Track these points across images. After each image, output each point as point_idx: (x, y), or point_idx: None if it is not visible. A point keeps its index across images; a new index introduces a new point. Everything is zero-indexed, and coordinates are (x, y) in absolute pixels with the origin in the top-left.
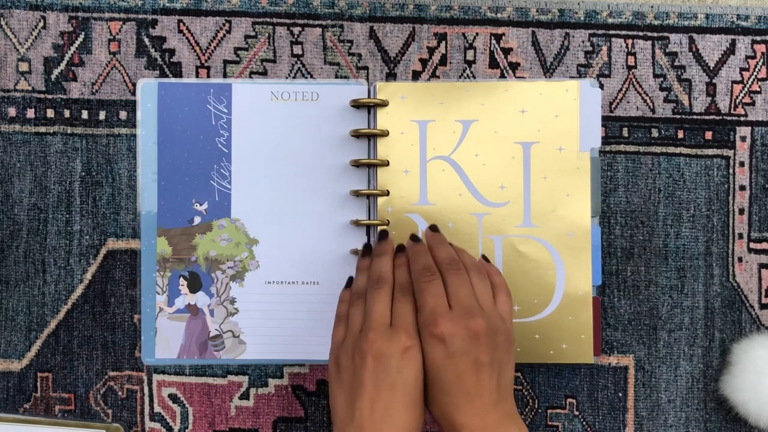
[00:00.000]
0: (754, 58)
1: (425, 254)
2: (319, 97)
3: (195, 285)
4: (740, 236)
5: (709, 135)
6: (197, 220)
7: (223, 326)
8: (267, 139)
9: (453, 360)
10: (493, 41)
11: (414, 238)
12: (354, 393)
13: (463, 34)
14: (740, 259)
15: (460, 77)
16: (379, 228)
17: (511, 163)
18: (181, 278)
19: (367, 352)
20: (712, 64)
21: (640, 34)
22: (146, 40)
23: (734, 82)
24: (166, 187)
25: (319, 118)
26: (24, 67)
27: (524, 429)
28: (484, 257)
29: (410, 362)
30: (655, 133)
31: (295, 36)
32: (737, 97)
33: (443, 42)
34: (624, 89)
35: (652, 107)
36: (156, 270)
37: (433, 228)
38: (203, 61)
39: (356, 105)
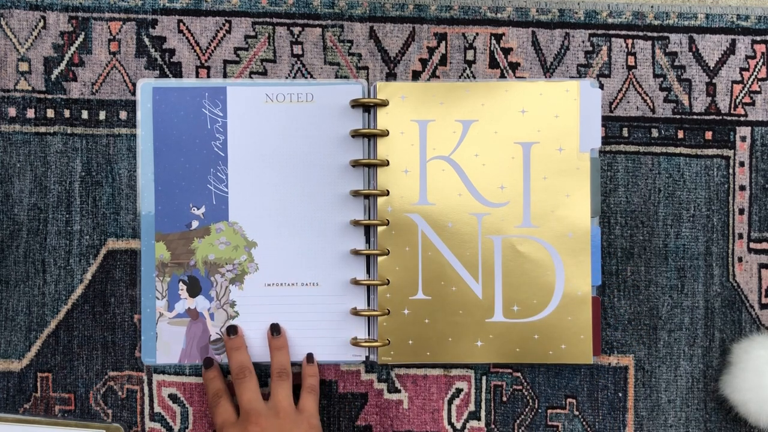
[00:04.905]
0: (754, 58)
1: (218, 379)
2: (314, 98)
3: (194, 289)
4: (740, 236)
5: (709, 135)
6: (195, 224)
7: (223, 330)
8: (263, 141)
9: None
10: (493, 41)
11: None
12: None
13: (463, 34)
14: (740, 259)
15: (460, 77)
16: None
17: (511, 163)
18: (181, 283)
19: None
20: (712, 64)
21: (640, 34)
22: (146, 40)
23: (734, 82)
24: (163, 192)
25: (314, 119)
26: (24, 67)
27: None
28: (309, 356)
29: None
30: (655, 133)
31: (295, 36)
32: (737, 97)
33: (443, 42)
34: (624, 89)
35: (652, 107)
36: (155, 275)
37: (230, 330)
38: (203, 61)
39: (356, 105)
